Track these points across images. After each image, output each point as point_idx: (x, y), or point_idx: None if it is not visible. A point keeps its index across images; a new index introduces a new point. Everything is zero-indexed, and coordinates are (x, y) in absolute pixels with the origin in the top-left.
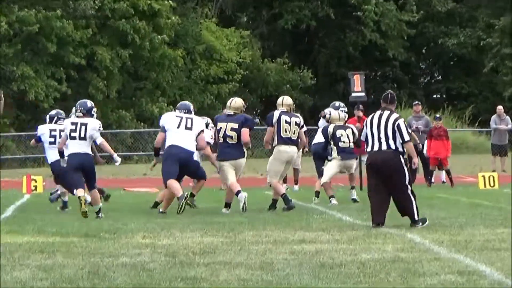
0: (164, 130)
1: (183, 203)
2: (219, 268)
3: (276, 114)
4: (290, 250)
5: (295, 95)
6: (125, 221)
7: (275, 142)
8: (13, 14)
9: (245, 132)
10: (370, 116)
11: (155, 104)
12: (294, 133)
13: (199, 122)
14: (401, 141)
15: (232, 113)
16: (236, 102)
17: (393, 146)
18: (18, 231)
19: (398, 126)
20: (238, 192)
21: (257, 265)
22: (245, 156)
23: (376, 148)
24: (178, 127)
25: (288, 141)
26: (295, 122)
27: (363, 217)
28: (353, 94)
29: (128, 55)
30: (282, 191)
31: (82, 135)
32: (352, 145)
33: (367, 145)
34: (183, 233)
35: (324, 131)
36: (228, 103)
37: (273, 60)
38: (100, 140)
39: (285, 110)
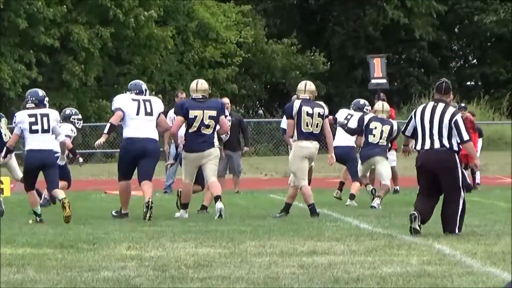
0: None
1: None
2: (216, 284)
3: (296, 104)
4: (298, 262)
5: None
6: (107, 229)
7: (295, 136)
8: None
9: (224, 120)
10: (421, 108)
11: None
12: (317, 127)
13: (158, 103)
14: (458, 140)
15: (201, 97)
16: (203, 83)
17: (447, 145)
18: None
19: (456, 123)
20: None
21: (260, 280)
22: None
23: (427, 146)
24: (137, 113)
25: (310, 136)
26: (318, 113)
27: (384, 224)
28: (373, 81)
29: (110, 35)
30: (311, 201)
31: (46, 127)
32: (383, 142)
33: (416, 143)
34: (174, 243)
35: (360, 120)
36: (193, 86)
37: (279, 41)
38: (62, 138)
39: (308, 97)
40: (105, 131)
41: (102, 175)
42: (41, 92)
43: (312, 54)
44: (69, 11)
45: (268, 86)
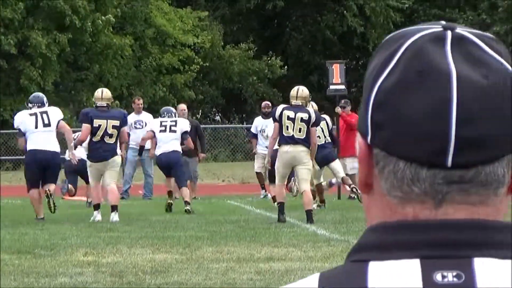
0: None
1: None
2: None
3: (278, 109)
4: (256, 269)
5: (263, 89)
6: (64, 235)
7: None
8: None
9: (124, 130)
10: None
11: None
12: (300, 131)
13: (56, 112)
14: None
15: (105, 105)
16: (107, 92)
17: None
18: None
19: None
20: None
21: (217, 286)
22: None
23: None
24: (36, 127)
25: (290, 141)
26: (301, 118)
27: (340, 230)
28: (332, 87)
29: (67, 41)
30: (281, 199)
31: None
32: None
33: None
34: (131, 249)
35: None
36: (98, 94)
37: (236, 46)
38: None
39: (299, 103)
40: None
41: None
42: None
43: (269, 58)
44: (25, 18)
45: (226, 92)
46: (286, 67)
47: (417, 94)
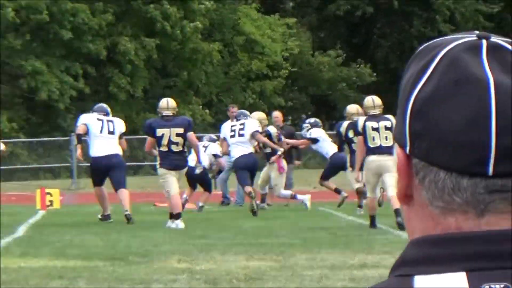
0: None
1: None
2: None
3: (360, 122)
4: (349, 276)
5: (352, 95)
6: (157, 242)
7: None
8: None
9: (192, 135)
10: None
11: (188, 106)
12: (386, 139)
13: (121, 124)
14: None
15: (171, 114)
16: (173, 101)
17: None
18: (33, 254)
19: None
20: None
21: None
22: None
23: None
24: (100, 132)
25: (377, 151)
26: (385, 126)
27: None
28: None
29: (155, 46)
30: (371, 213)
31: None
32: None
33: None
34: (224, 256)
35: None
36: (163, 104)
37: (325, 53)
38: None
39: (377, 112)
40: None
41: (150, 187)
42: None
43: (358, 66)
44: (113, 24)
45: (315, 98)
46: (375, 74)
47: (455, 103)
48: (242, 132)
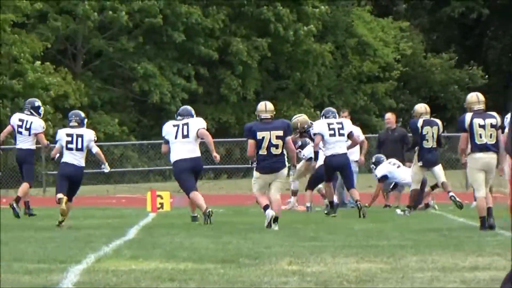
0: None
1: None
2: None
3: (467, 118)
4: (461, 278)
5: (463, 97)
6: (267, 244)
7: (469, 149)
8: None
9: (290, 140)
10: None
11: (299, 107)
12: (491, 137)
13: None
14: None
15: (269, 117)
16: (271, 104)
17: None
18: (144, 256)
19: None
20: (266, 207)
21: None
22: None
23: None
24: (175, 137)
25: (483, 148)
26: (491, 123)
27: None
28: None
29: (268, 46)
30: (481, 213)
31: (79, 146)
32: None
33: None
34: (335, 258)
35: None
36: (262, 107)
37: (437, 55)
38: (95, 149)
39: (481, 108)
40: None
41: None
42: (82, 114)
43: (470, 68)
44: (226, 25)
45: (427, 100)
46: (487, 76)
47: None
48: (342, 132)
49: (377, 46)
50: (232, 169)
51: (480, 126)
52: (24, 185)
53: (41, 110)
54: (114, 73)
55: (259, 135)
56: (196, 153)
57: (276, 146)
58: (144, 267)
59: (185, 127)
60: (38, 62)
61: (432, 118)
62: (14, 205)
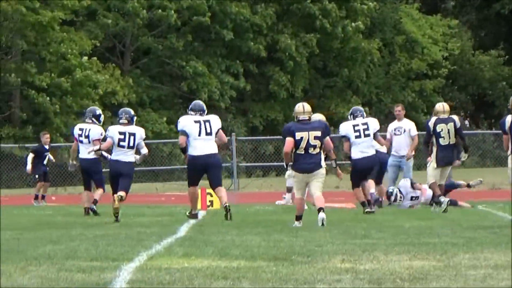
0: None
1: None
2: None
3: (508, 120)
4: None
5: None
6: (319, 241)
7: (509, 151)
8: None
9: (329, 140)
10: None
11: (347, 105)
12: None
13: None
14: None
15: (307, 118)
16: (308, 106)
17: None
18: (196, 254)
19: None
20: (320, 209)
21: None
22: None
23: None
24: (199, 134)
25: None
26: None
27: None
28: None
29: (316, 42)
30: None
31: (131, 144)
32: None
33: None
34: (387, 255)
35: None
36: (300, 108)
37: (486, 53)
38: (145, 151)
39: None
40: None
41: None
42: (132, 112)
43: None
44: (274, 23)
45: (475, 98)
46: None
47: None
48: (368, 132)
49: (425, 44)
50: (280, 167)
51: None
52: (100, 191)
53: (102, 118)
54: (162, 70)
55: (298, 135)
56: (215, 149)
57: (314, 147)
58: (196, 265)
59: (207, 124)
60: (85, 58)
61: (449, 116)
62: (93, 207)
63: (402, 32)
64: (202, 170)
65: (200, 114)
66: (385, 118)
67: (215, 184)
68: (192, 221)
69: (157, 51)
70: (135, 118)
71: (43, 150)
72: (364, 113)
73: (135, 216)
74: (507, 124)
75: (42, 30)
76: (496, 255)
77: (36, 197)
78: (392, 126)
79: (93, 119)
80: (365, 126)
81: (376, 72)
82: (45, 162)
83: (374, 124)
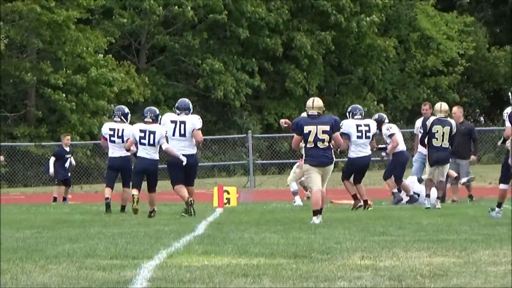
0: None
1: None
2: None
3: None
4: None
5: None
6: (338, 239)
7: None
8: None
9: (338, 136)
10: None
11: (362, 102)
12: None
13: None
14: None
15: (316, 114)
16: (319, 101)
17: None
18: (216, 251)
19: None
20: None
21: None
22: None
23: None
24: (173, 134)
25: None
26: None
27: None
28: None
29: (332, 40)
30: None
31: (151, 142)
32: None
33: None
34: (407, 252)
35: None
36: (309, 103)
37: (502, 48)
38: (165, 146)
39: None
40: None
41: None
42: (157, 110)
43: None
44: (289, 20)
45: (490, 94)
46: None
47: None
48: (369, 134)
49: (440, 40)
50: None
51: None
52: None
53: (129, 116)
54: (178, 68)
55: (306, 129)
56: (191, 150)
57: (323, 141)
58: (216, 262)
59: (182, 125)
60: (100, 55)
61: (447, 118)
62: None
63: (417, 29)
64: (179, 169)
65: (186, 113)
66: (401, 114)
67: (186, 183)
68: (210, 219)
69: (173, 49)
70: (160, 117)
71: (64, 152)
72: (363, 112)
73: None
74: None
75: (57, 29)
76: None
77: (55, 199)
78: (418, 123)
79: (121, 117)
80: (367, 128)
81: (391, 69)
82: (66, 165)
83: (374, 127)
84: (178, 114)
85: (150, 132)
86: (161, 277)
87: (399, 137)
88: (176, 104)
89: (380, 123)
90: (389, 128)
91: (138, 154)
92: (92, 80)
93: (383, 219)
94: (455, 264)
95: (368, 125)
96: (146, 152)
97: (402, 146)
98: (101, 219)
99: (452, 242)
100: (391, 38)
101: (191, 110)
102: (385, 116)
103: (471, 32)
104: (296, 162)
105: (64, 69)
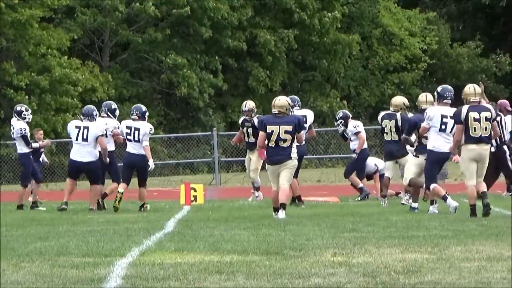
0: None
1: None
2: None
3: (463, 110)
4: (507, 267)
5: (491, 86)
6: (309, 235)
7: (463, 140)
8: None
9: (301, 135)
10: None
11: (326, 99)
12: (485, 130)
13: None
14: None
15: (278, 112)
16: (281, 100)
17: None
18: (188, 248)
19: None
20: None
21: (472, 285)
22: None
23: None
24: (76, 139)
25: (477, 140)
26: (485, 117)
27: None
28: None
29: (294, 37)
30: (472, 202)
31: (136, 138)
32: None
33: None
34: (379, 249)
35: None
36: (273, 102)
37: (464, 45)
38: (145, 143)
39: (477, 100)
40: None
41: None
42: (144, 108)
43: (497, 56)
44: (253, 17)
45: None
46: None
47: None
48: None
49: (403, 36)
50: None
51: (475, 119)
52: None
53: (117, 112)
54: (141, 66)
55: (269, 128)
56: (91, 156)
57: (284, 140)
58: (189, 259)
59: (86, 130)
60: (64, 57)
61: (392, 112)
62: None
63: (379, 26)
64: (79, 172)
65: (89, 120)
66: (364, 111)
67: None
68: (178, 216)
69: (136, 45)
70: (146, 114)
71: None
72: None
73: (120, 212)
74: (463, 115)
75: (21, 27)
76: (488, 247)
77: (35, 203)
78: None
79: (108, 113)
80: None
81: (354, 66)
82: (41, 159)
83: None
84: (82, 120)
85: (135, 129)
86: (135, 275)
87: (364, 134)
88: (82, 111)
89: (345, 119)
90: (356, 126)
91: (127, 149)
92: (56, 80)
93: (351, 215)
94: (428, 260)
95: (305, 116)
96: (133, 147)
97: (365, 144)
98: (68, 217)
99: (423, 238)
100: (355, 34)
101: (95, 117)
102: (349, 113)
103: (433, 29)
104: None
105: (29, 70)
